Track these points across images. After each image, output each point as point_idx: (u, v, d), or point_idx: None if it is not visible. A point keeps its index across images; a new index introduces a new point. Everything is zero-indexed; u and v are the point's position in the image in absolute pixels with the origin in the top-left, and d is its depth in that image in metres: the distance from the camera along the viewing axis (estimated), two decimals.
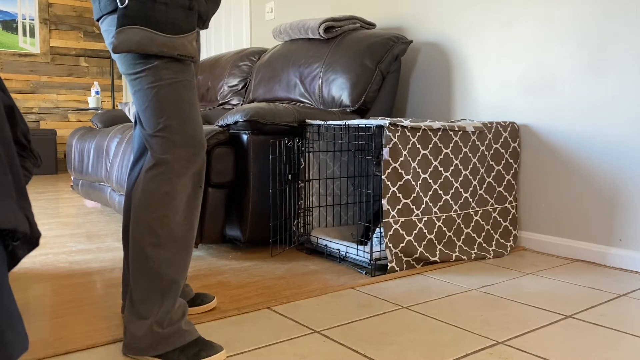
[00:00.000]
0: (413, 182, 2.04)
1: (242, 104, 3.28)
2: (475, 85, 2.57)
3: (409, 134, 2.02)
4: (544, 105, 2.32)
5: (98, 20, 1.31)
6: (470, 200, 2.24)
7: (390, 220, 1.98)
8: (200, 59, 4.07)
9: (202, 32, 4.82)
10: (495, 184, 2.32)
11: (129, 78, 1.29)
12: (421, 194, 2.07)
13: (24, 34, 5.66)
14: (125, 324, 1.27)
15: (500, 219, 2.34)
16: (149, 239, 1.25)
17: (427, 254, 2.07)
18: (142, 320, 1.25)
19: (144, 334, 1.24)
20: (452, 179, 2.17)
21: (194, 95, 1.31)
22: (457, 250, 2.17)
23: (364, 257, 2.02)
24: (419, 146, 2.06)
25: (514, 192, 2.39)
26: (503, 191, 2.35)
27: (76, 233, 2.68)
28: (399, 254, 2.01)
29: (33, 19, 5.69)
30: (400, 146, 1.99)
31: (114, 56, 1.28)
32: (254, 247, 2.32)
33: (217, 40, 4.63)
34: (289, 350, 1.32)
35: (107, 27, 1.28)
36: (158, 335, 1.24)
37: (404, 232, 2.01)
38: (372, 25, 2.92)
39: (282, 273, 1.98)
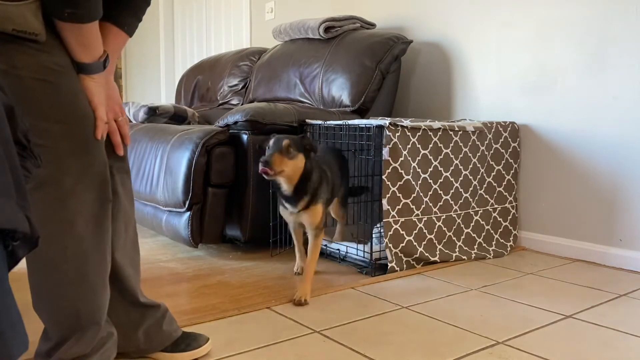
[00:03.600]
0: (413, 182, 2.04)
1: (242, 104, 3.28)
2: (475, 85, 2.57)
3: (409, 134, 2.02)
4: (544, 105, 2.32)
5: None
6: (470, 200, 2.24)
7: (390, 220, 1.98)
8: (200, 59, 4.07)
9: (202, 32, 4.82)
10: (495, 184, 2.32)
11: None
12: (421, 194, 2.07)
13: None
14: None
15: (500, 219, 2.34)
16: (55, 278, 1.03)
17: (427, 254, 2.07)
18: None
19: None
20: (452, 179, 2.17)
21: (70, 82, 1.01)
22: (457, 250, 2.17)
23: (364, 257, 2.02)
24: (419, 146, 2.06)
25: (514, 192, 2.39)
26: (503, 191, 2.35)
27: None
28: (399, 254, 2.01)
29: None
30: (400, 146, 1.99)
31: None
32: (254, 247, 2.32)
33: (217, 40, 4.63)
34: (289, 350, 1.32)
35: None
36: None
37: (404, 232, 2.01)
38: (372, 25, 2.92)
39: (282, 273, 1.98)
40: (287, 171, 1.67)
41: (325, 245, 2.19)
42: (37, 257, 1.02)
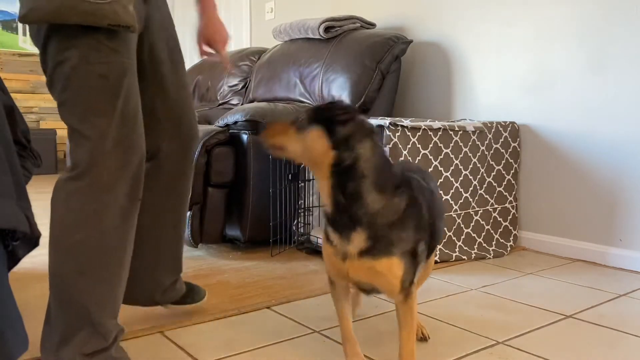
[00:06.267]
0: None
1: (242, 104, 3.28)
2: (475, 85, 2.57)
3: (409, 133, 2.02)
4: (544, 105, 2.32)
5: None
6: (470, 200, 2.24)
7: None
8: (200, 59, 4.06)
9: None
10: (495, 184, 2.32)
11: (43, 55, 1.05)
12: None
13: (24, 33, 5.66)
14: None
15: (500, 219, 2.34)
16: (71, 266, 1.05)
17: None
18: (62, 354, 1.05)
19: None
20: (452, 179, 2.17)
21: (130, 83, 1.06)
22: (457, 250, 2.17)
23: None
24: (419, 146, 2.06)
25: (514, 192, 2.39)
26: (503, 191, 2.35)
27: None
28: None
29: None
30: (400, 146, 1.99)
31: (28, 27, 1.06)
32: (254, 247, 2.32)
33: None
34: (289, 350, 1.32)
35: None
36: None
37: None
38: (372, 25, 2.92)
39: (282, 273, 1.98)
40: (292, 150, 1.03)
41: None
42: (59, 242, 1.06)
